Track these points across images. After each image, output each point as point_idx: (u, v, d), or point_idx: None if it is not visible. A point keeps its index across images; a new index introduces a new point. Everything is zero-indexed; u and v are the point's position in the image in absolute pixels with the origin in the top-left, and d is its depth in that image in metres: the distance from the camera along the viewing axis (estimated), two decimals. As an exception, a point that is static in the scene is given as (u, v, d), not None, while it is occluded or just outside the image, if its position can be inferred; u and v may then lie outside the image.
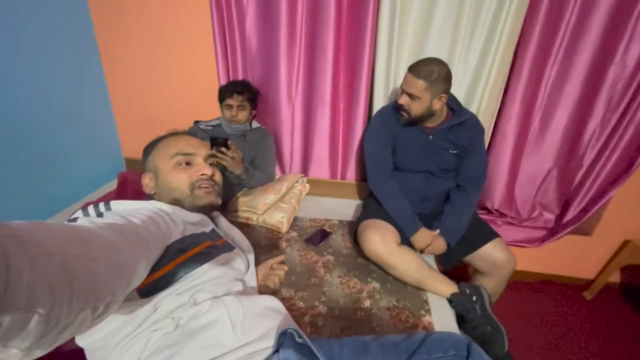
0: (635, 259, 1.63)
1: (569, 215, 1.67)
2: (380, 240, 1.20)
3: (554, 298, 1.81)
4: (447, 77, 1.20)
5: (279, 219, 1.48)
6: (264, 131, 1.64)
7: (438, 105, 1.23)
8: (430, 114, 1.25)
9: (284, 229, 1.47)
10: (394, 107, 1.33)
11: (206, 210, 0.79)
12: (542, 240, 1.72)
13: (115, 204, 0.66)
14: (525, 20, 1.37)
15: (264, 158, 1.62)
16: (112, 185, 1.69)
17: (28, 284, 0.30)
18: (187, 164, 0.78)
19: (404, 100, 1.24)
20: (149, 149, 0.83)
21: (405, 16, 1.41)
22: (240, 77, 1.66)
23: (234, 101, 1.51)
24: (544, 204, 1.76)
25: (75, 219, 0.59)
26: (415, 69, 1.19)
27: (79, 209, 0.64)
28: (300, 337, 0.59)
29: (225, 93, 1.52)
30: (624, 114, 1.46)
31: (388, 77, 1.50)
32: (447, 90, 1.22)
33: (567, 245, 1.73)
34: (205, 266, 0.67)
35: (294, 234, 1.47)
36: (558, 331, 1.59)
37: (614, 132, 1.49)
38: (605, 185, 1.58)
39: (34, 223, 0.36)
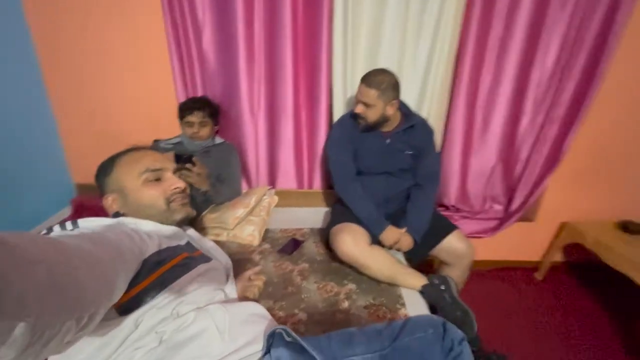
0: (573, 238, 1.84)
1: (515, 205, 1.86)
2: (352, 242, 1.24)
3: (510, 282, 1.97)
4: (395, 85, 1.31)
5: (250, 232, 1.47)
6: (228, 146, 1.63)
7: (391, 110, 1.33)
8: (385, 119, 1.35)
9: (256, 242, 1.46)
10: (352, 115, 1.41)
11: (182, 223, 0.78)
12: (495, 229, 1.88)
13: (83, 222, 0.64)
14: (461, 32, 1.54)
15: (229, 173, 1.60)
16: (62, 215, 1.56)
17: (16, 291, 0.30)
18: (157, 179, 0.77)
19: (360, 109, 1.33)
20: (106, 168, 0.79)
21: (357, 30, 1.51)
22: (199, 93, 1.65)
23: (194, 118, 1.49)
24: (492, 197, 1.93)
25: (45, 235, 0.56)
26: (366, 79, 1.29)
27: (43, 230, 0.60)
28: (289, 335, 0.60)
29: (185, 110, 1.50)
30: (548, 112, 1.67)
31: (345, 86, 1.59)
32: (396, 97, 1.33)
33: (515, 232, 1.91)
34: (185, 277, 0.66)
35: (267, 245, 1.47)
36: (517, 311, 1.73)
37: (543, 127, 1.70)
38: (540, 175, 1.78)
39: (15, 233, 0.36)
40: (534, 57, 1.58)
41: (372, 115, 1.32)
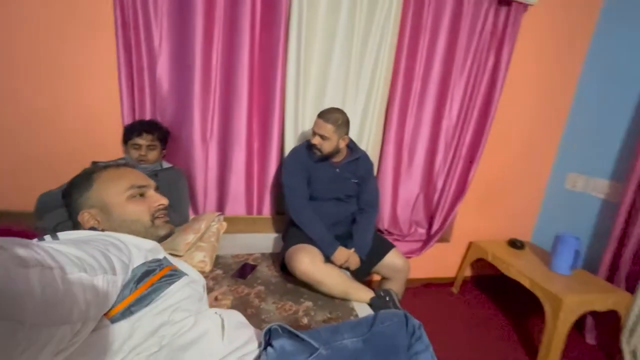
0: (478, 255, 2.24)
1: (434, 228, 2.19)
2: (310, 261, 1.33)
3: (433, 296, 2.26)
4: (347, 123, 1.52)
5: (200, 258, 1.44)
6: (177, 171, 1.60)
7: (343, 144, 1.53)
8: (337, 151, 1.54)
9: (208, 268, 1.44)
10: (308, 146, 1.56)
11: (164, 239, 0.79)
12: (420, 249, 2.18)
13: (63, 234, 0.62)
14: (391, 85, 1.88)
15: (178, 198, 1.56)
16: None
17: (11, 294, 0.32)
18: (141, 195, 0.77)
19: (317, 140, 1.49)
20: (83, 184, 0.76)
21: (308, 72, 1.73)
22: (148, 116, 1.62)
23: (142, 140, 1.46)
24: (417, 221, 2.25)
25: None
26: (324, 115, 1.47)
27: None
28: (284, 331, 0.66)
29: (132, 132, 1.46)
30: (455, 152, 2.10)
31: (296, 120, 1.75)
32: (347, 132, 1.54)
33: (435, 252, 2.24)
34: (174, 286, 0.67)
35: (219, 271, 1.45)
36: (440, 322, 1.98)
37: (451, 164, 2.11)
38: (452, 203, 2.16)
39: (7, 238, 0.37)
40: (442, 110, 2.00)
41: (327, 147, 1.49)
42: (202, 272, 1.41)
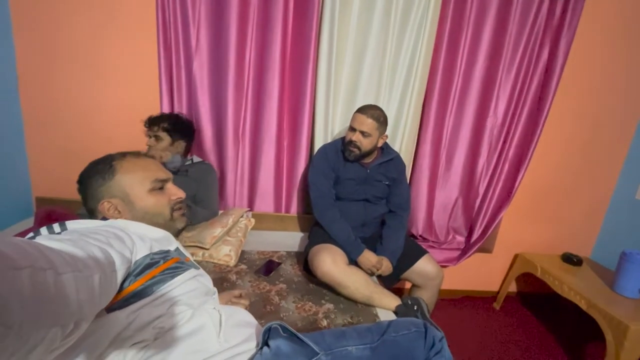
0: (525, 269, 2.02)
1: (474, 236, 2.02)
2: (332, 261, 1.28)
3: (471, 311, 2.07)
4: (386, 121, 1.47)
5: (226, 252, 1.46)
6: (206, 166, 1.63)
7: (381, 142, 1.48)
8: (374, 149, 1.48)
9: (233, 262, 1.45)
10: (344, 144, 1.50)
11: (180, 232, 0.80)
12: (458, 259, 2.01)
13: (71, 224, 0.62)
14: (428, 81, 1.77)
15: (207, 194, 1.59)
16: (22, 226, 1.46)
17: (3, 299, 0.30)
18: (160, 188, 0.78)
19: (356, 137, 1.43)
20: (104, 172, 0.74)
21: (339, 69, 1.69)
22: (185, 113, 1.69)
23: (150, 131, 1.46)
24: (455, 228, 2.09)
25: (32, 238, 0.55)
26: (366, 111, 1.42)
27: (30, 233, 0.59)
28: (285, 331, 0.62)
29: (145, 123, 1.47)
30: (500, 153, 1.92)
31: (327, 119, 1.72)
32: (385, 131, 1.48)
33: (476, 263, 2.06)
34: (178, 279, 0.66)
35: (243, 266, 1.45)
36: (477, 340, 1.81)
37: (496, 167, 1.93)
38: (495, 209, 1.98)
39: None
40: (487, 109, 1.84)
41: (367, 144, 1.43)
42: (227, 266, 1.43)
